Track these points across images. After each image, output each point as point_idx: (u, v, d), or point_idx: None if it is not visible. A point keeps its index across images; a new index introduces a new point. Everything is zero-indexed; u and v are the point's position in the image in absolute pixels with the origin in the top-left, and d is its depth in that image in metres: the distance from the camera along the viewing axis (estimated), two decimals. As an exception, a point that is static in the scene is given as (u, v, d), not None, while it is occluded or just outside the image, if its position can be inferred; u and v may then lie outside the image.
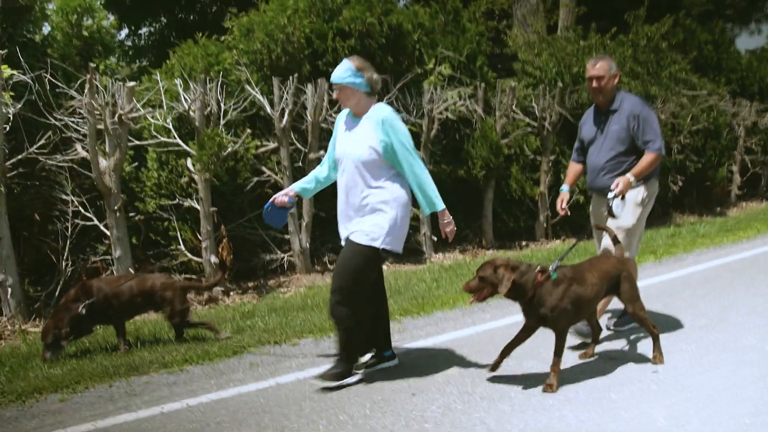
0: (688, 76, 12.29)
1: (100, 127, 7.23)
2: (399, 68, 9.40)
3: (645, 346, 5.10)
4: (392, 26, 9.22)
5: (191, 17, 17.10)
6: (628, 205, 5.24)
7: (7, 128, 6.72)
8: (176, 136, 7.79)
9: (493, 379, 4.63)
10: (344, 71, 4.48)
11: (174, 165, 8.11)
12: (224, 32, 9.80)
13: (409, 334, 5.86)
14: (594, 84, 5.38)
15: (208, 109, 7.79)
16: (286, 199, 4.84)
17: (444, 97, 9.44)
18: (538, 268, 4.39)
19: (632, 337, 5.49)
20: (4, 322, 6.89)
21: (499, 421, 3.97)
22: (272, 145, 8.50)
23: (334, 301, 4.52)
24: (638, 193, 5.33)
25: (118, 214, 7.31)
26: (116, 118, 7.18)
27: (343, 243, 4.68)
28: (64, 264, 7.50)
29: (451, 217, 4.64)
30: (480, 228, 10.29)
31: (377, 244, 4.43)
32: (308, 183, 4.95)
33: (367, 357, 4.95)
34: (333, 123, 8.68)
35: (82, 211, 7.61)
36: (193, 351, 5.44)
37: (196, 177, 7.77)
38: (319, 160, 8.70)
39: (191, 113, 7.63)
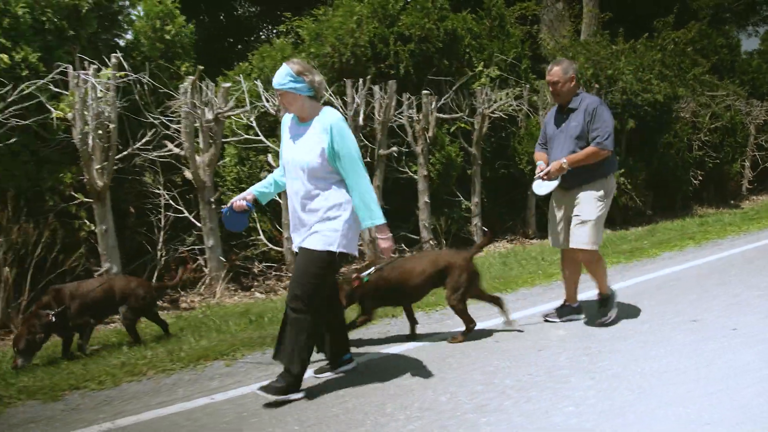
0: (711, 78, 12.97)
1: (196, 125, 7.73)
2: (451, 70, 9.95)
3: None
4: (447, 31, 9.73)
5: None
6: (589, 201, 5.42)
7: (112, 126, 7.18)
8: (259, 133, 8.32)
9: (608, 339, 5.18)
10: (283, 77, 4.24)
11: (254, 160, 8.58)
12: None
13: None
14: (551, 88, 5.58)
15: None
16: (244, 203, 4.66)
17: (494, 98, 10.02)
18: (354, 275, 5.19)
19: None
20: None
21: (626, 367, 4.52)
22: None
23: (291, 310, 4.32)
24: (597, 189, 5.44)
25: (213, 206, 7.80)
26: (212, 117, 7.71)
27: (295, 249, 4.52)
28: (159, 254, 7.97)
29: (390, 234, 4.40)
30: (524, 219, 10.80)
31: (334, 248, 4.25)
32: (266, 187, 4.76)
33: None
34: (398, 122, 9.29)
35: (173, 204, 8.10)
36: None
37: (280, 171, 8.24)
38: (388, 156, 9.27)
39: (278, 112, 8.08)
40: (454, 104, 9.69)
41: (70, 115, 6.95)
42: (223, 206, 5.03)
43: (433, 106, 9.31)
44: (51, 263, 6.97)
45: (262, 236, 8.37)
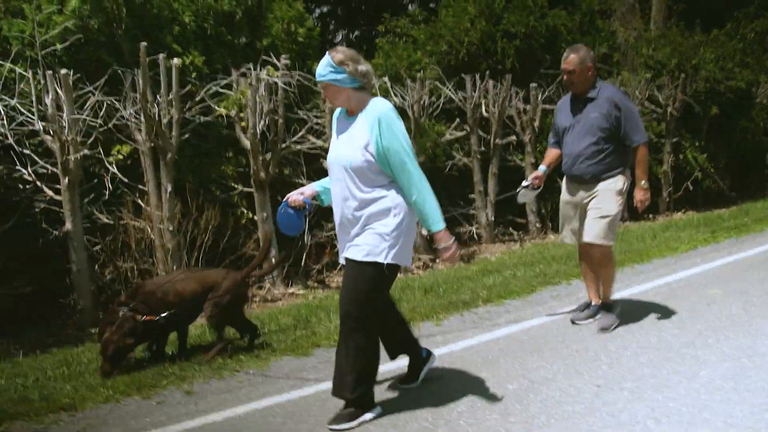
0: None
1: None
2: (552, 64, 10.42)
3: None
4: (549, 28, 10.27)
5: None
6: (610, 195, 5.07)
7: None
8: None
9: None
10: (324, 68, 3.74)
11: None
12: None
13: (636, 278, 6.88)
14: (566, 77, 5.17)
15: (422, 102, 8.69)
16: (301, 199, 4.00)
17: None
18: (136, 316, 4.78)
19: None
20: (270, 288, 7.97)
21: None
22: (460, 133, 9.54)
23: (347, 329, 3.80)
24: (618, 182, 5.09)
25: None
26: None
27: (341, 261, 3.92)
28: (306, 238, 8.55)
29: (453, 239, 3.80)
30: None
31: (381, 259, 3.69)
32: (328, 183, 4.05)
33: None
34: (510, 114, 9.80)
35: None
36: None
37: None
38: (505, 146, 9.82)
39: (413, 107, 8.50)
40: (556, 96, 10.20)
41: (233, 112, 7.57)
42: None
43: (539, 98, 9.86)
44: (221, 249, 7.62)
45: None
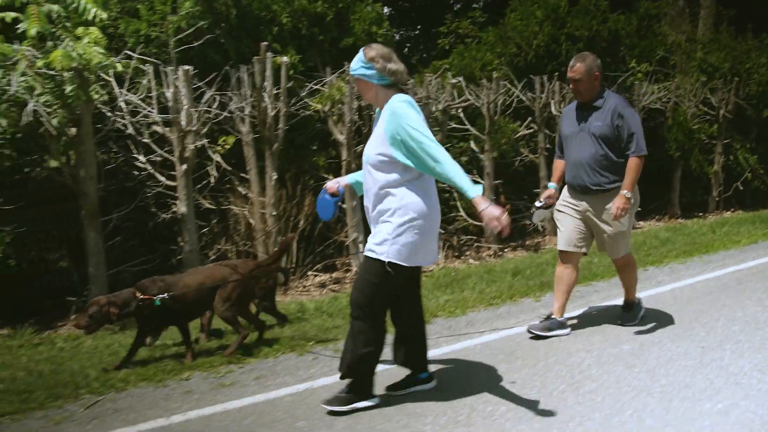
0: None
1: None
2: (612, 67, 10.94)
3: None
4: (611, 32, 10.76)
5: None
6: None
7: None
8: (465, 121, 9.45)
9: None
10: (355, 62, 3.85)
11: (453, 146, 9.71)
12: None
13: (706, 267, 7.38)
14: (572, 86, 5.08)
15: (496, 101, 9.12)
16: (336, 187, 4.24)
17: (648, 91, 11.01)
18: (137, 292, 4.84)
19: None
20: (355, 272, 8.54)
21: None
22: (527, 131, 9.97)
23: (353, 313, 3.97)
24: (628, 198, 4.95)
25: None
26: (442, 108, 8.87)
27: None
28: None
29: (489, 206, 3.62)
30: (669, 200, 11.66)
31: (383, 257, 3.75)
32: (362, 176, 4.13)
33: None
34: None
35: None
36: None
37: (483, 156, 9.36)
38: None
39: (489, 106, 8.97)
40: (616, 97, 10.69)
41: (326, 107, 8.16)
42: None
43: (601, 99, 10.31)
44: (317, 234, 8.21)
45: (462, 212, 9.49)
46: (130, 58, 6.94)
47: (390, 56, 3.84)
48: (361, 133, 8.03)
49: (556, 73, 9.54)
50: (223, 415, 4.05)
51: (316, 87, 8.06)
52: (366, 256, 3.86)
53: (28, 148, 6.81)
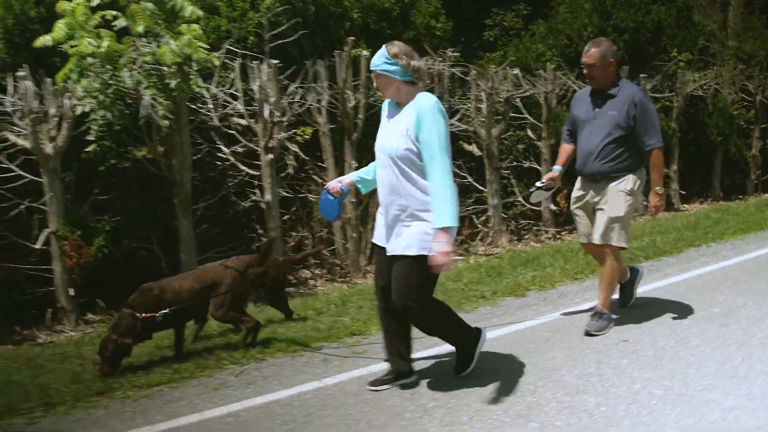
0: None
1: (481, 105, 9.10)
2: (656, 57, 11.29)
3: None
4: (654, 23, 11.07)
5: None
6: (618, 195, 4.82)
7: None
8: (523, 110, 9.75)
9: None
10: (378, 58, 3.85)
11: (512, 133, 10.06)
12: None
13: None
14: (586, 71, 4.92)
15: (554, 91, 9.45)
16: (339, 187, 4.16)
17: (690, 79, 11.33)
18: (134, 313, 4.60)
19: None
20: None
21: None
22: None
23: (413, 320, 4.07)
24: (627, 183, 4.84)
25: (497, 172, 9.26)
26: (505, 97, 9.16)
27: (375, 240, 4.10)
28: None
29: (443, 242, 3.64)
30: (711, 184, 12.00)
31: (429, 252, 3.73)
32: (367, 174, 4.24)
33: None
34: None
35: (457, 171, 9.55)
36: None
37: (540, 143, 9.69)
38: None
39: (547, 95, 9.31)
40: (661, 86, 11.03)
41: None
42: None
43: (648, 87, 10.66)
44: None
45: (520, 198, 9.82)
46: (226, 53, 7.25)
47: (412, 53, 3.87)
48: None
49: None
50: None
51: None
52: (410, 256, 3.79)
53: (122, 140, 7.12)
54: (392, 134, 3.86)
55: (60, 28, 6.01)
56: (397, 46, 3.88)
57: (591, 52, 4.83)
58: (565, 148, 5.27)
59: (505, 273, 6.91)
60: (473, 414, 3.73)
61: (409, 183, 3.81)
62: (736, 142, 11.79)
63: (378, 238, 4.11)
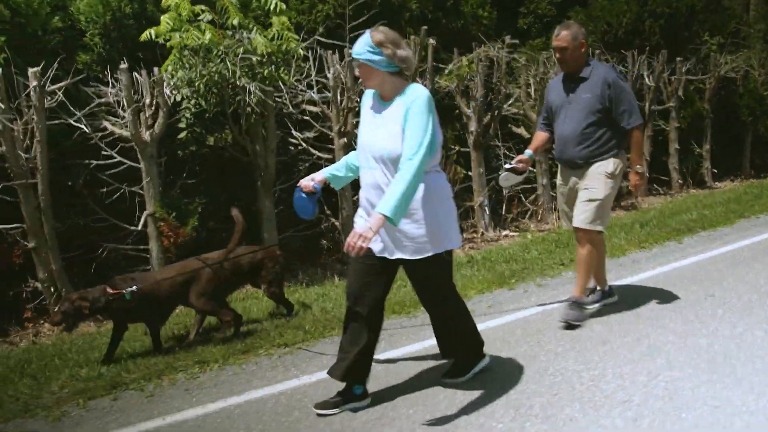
0: None
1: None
2: (691, 40, 11.75)
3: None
4: (687, 7, 11.49)
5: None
6: (598, 177, 4.73)
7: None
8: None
9: None
10: (361, 46, 3.50)
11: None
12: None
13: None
14: (557, 55, 4.81)
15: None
16: (311, 185, 3.90)
17: (723, 62, 11.78)
18: (107, 287, 4.78)
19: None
20: (482, 232, 9.32)
21: None
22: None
23: (438, 317, 4.01)
24: (608, 165, 4.73)
25: (546, 153, 9.70)
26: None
27: (380, 252, 3.68)
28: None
29: (367, 225, 3.36)
30: (741, 162, 12.38)
31: (436, 250, 3.62)
32: (338, 170, 3.96)
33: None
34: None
35: (507, 153, 9.96)
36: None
37: (522, 131, 10.10)
38: (666, 111, 10.90)
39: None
40: (695, 69, 11.47)
41: (453, 85, 8.92)
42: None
43: (684, 70, 11.11)
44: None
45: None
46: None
47: (399, 41, 3.52)
48: (490, 107, 8.78)
49: (647, 47, 10.31)
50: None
51: (443, 66, 8.81)
52: (416, 259, 3.61)
53: (209, 127, 7.55)
54: (381, 133, 3.52)
55: (166, 22, 6.42)
56: (382, 33, 3.50)
57: (562, 35, 4.71)
58: (539, 135, 5.15)
59: (570, 245, 7.32)
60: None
61: None
62: (765, 122, 12.21)
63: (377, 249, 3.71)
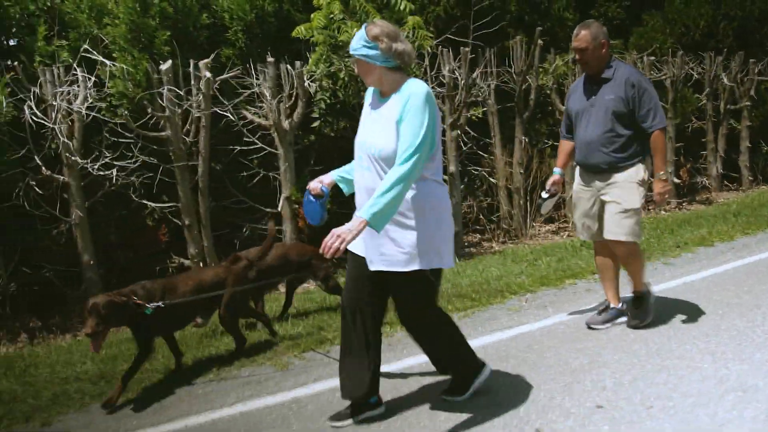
0: None
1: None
2: (756, 43, 12.22)
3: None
4: (761, 10, 11.89)
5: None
6: (631, 186, 4.50)
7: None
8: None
9: None
10: (357, 41, 3.31)
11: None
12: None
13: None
14: (578, 56, 4.57)
15: (680, 76, 10.27)
16: (320, 187, 3.68)
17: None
18: (134, 298, 4.20)
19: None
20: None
21: None
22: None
23: (425, 334, 3.72)
24: (639, 172, 4.51)
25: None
26: None
27: (370, 261, 3.43)
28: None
29: (354, 234, 3.10)
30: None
31: (423, 266, 3.31)
32: (348, 172, 3.69)
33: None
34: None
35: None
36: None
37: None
38: (738, 111, 11.25)
39: (673, 79, 10.10)
40: (762, 69, 11.98)
41: (549, 83, 9.46)
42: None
43: (756, 71, 11.61)
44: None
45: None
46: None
47: (396, 35, 3.32)
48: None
49: (725, 49, 10.84)
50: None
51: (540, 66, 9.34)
52: (400, 272, 3.32)
53: (341, 116, 8.11)
54: (376, 131, 3.33)
55: (319, 19, 7.00)
56: (378, 27, 3.31)
57: (581, 35, 4.49)
58: (564, 146, 4.92)
59: (682, 225, 7.89)
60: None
61: None
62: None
63: (355, 246, 3.47)
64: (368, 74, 3.36)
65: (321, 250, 3.12)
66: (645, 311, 4.81)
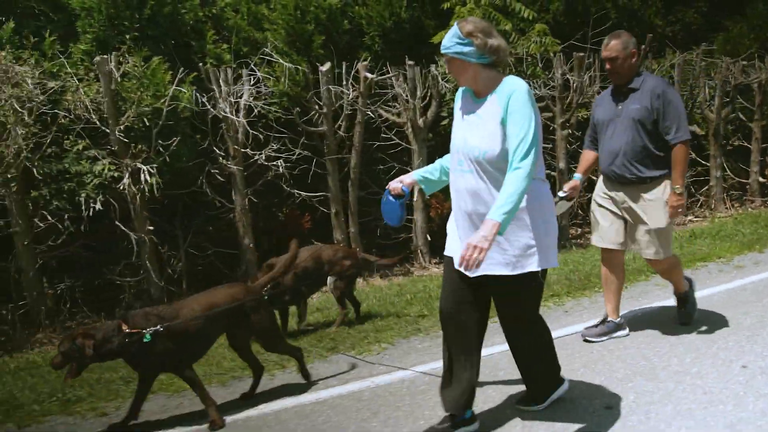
0: None
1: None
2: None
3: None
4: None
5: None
6: (660, 205, 4.48)
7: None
8: (738, 96, 11.21)
9: None
10: (449, 39, 3.20)
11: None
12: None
13: None
14: (608, 66, 4.54)
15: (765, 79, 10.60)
16: (400, 186, 3.58)
17: None
18: (121, 325, 3.73)
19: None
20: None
21: None
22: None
23: (528, 342, 3.60)
24: (666, 189, 4.49)
25: (723, 149, 10.81)
26: (733, 85, 10.50)
27: (448, 253, 3.43)
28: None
29: (490, 237, 2.98)
30: None
31: (534, 267, 3.23)
32: (431, 173, 3.63)
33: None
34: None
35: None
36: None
37: (751, 124, 11.05)
38: None
39: (762, 82, 10.51)
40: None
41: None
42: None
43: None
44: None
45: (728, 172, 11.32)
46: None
47: (490, 30, 3.21)
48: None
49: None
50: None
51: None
52: (508, 276, 3.24)
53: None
54: (476, 132, 3.21)
55: (461, 26, 7.66)
56: (471, 23, 3.19)
57: (612, 45, 4.50)
58: (587, 156, 4.87)
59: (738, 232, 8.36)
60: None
61: (498, 190, 3.11)
62: None
63: (453, 250, 3.41)
64: (462, 73, 3.25)
65: (459, 266, 3.08)
66: (692, 305, 5.05)
